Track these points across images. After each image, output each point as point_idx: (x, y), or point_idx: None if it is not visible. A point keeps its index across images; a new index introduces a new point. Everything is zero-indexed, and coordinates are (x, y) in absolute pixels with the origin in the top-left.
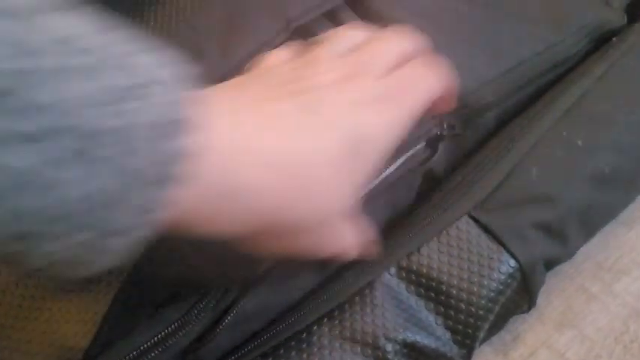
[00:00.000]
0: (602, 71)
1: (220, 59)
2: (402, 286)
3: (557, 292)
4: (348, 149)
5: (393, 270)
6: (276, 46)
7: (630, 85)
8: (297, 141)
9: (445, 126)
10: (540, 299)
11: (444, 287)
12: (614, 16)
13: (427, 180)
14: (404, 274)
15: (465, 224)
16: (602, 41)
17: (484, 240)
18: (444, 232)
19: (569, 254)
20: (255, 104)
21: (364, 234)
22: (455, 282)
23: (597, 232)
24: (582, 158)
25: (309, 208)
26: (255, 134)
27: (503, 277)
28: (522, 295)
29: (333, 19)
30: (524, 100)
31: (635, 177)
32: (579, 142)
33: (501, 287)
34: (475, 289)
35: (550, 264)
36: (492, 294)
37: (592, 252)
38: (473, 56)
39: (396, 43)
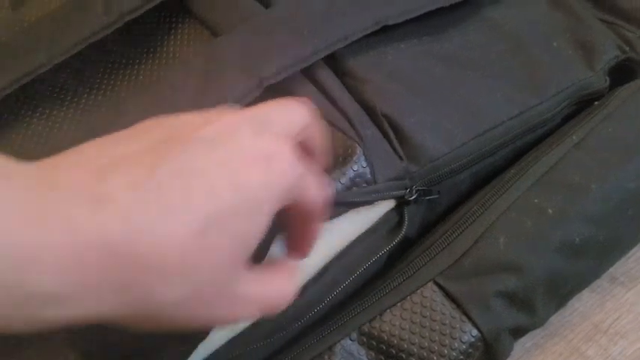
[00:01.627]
0: (580, 137)
1: None
2: (363, 352)
3: (550, 355)
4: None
5: (354, 335)
6: (247, 104)
7: (607, 153)
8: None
9: (411, 191)
10: None
11: (404, 355)
12: (596, 79)
13: (398, 243)
14: (365, 340)
15: (430, 291)
16: (583, 104)
17: (447, 308)
18: (408, 298)
19: (539, 323)
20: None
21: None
22: (416, 350)
23: (569, 301)
24: (552, 227)
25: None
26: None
27: (464, 346)
28: None
29: (310, 76)
30: (501, 161)
31: (609, 247)
32: (550, 211)
33: (462, 357)
34: (435, 359)
35: (518, 333)
36: None
37: (588, 313)
38: (446, 118)
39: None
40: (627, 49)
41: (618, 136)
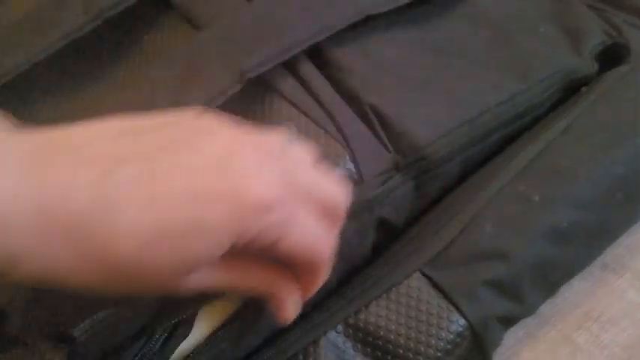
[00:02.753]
0: (567, 124)
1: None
2: (349, 344)
3: (542, 343)
4: None
5: (340, 327)
6: (227, 98)
7: (594, 138)
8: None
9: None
10: (525, 351)
11: (390, 346)
12: (584, 64)
13: (386, 232)
14: (351, 332)
15: (416, 281)
16: (572, 89)
17: (434, 298)
18: (394, 289)
19: (529, 312)
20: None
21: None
22: (402, 341)
23: (559, 289)
24: (539, 214)
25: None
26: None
27: (452, 336)
28: (475, 354)
29: (292, 70)
30: (489, 148)
31: (598, 232)
32: (536, 198)
33: (450, 347)
34: (423, 349)
35: (508, 322)
36: (440, 354)
37: (579, 301)
38: (433, 107)
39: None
40: (615, 34)
41: (605, 121)
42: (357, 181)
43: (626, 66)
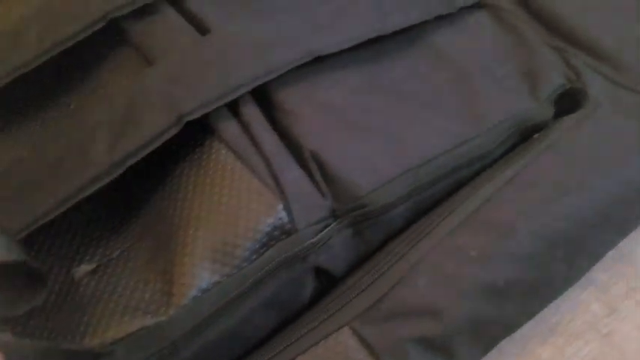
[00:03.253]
0: (512, 174)
1: (106, 154)
2: None
3: (508, 357)
4: None
5: None
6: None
7: (539, 190)
8: None
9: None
10: None
11: None
12: (540, 110)
13: (326, 280)
14: None
15: (345, 336)
16: (526, 135)
17: (362, 354)
18: (322, 343)
19: None
20: None
21: None
22: None
23: (498, 343)
24: (474, 270)
25: None
26: None
27: None
28: None
29: (235, 111)
30: (438, 195)
31: (536, 289)
32: (473, 253)
33: None
34: None
35: None
36: None
37: (544, 315)
38: (376, 154)
39: None
40: (573, 78)
41: (552, 173)
42: (290, 230)
43: (581, 112)
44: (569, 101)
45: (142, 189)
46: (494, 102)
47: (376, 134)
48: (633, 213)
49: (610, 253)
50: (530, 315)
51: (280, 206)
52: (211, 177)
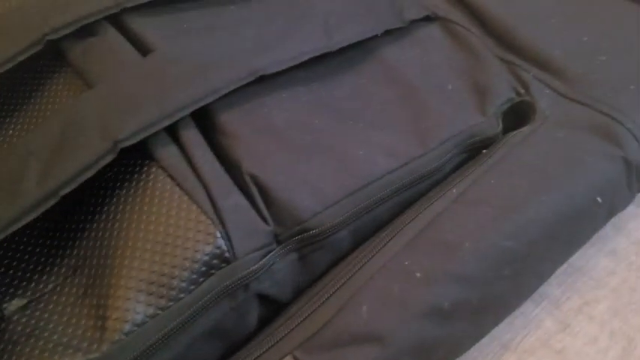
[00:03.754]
0: (460, 191)
1: (37, 184)
2: None
3: None
4: None
5: None
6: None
7: (485, 208)
8: None
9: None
10: None
11: None
12: (488, 124)
13: (271, 306)
14: None
15: None
16: (475, 151)
17: None
18: None
19: None
20: None
21: None
22: None
23: None
24: (420, 292)
25: None
26: None
27: None
28: None
29: (174, 135)
30: (386, 215)
31: (483, 309)
32: (418, 274)
33: None
34: None
35: None
36: None
37: (497, 332)
38: (319, 176)
39: None
40: (522, 91)
41: (499, 190)
42: (230, 259)
43: (529, 127)
44: (518, 115)
45: (78, 218)
46: (442, 118)
47: (319, 155)
48: (581, 228)
49: (563, 267)
50: (478, 336)
51: (219, 234)
52: (148, 204)
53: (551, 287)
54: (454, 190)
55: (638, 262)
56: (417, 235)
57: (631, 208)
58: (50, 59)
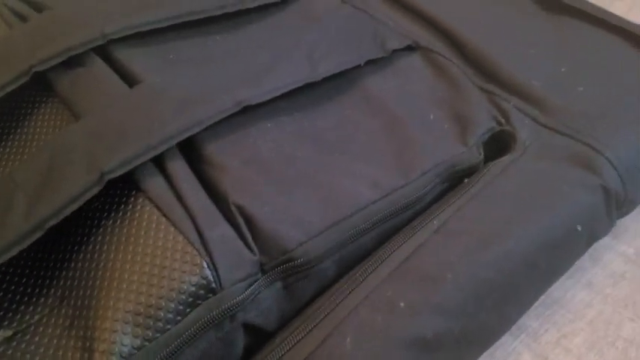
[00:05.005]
0: (442, 221)
1: (23, 218)
2: None
3: None
4: None
5: None
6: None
7: (466, 239)
8: None
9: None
10: None
11: None
12: (469, 154)
13: (257, 336)
14: None
15: None
16: (456, 180)
17: None
18: None
19: None
20: None
21: None
22: None
23: None
24: (403, 323)
25: None
26: None
27: None
28: None
29: (161, 166)
30: (370, 244)
31: (466, 340)
32: (402, 304)
33: None
34: None
35: None
36: None
37: None
38: (304, 206)
39: None
40: (503, 121)
41: (478, 222)
42: (216, 289)
43: (509, 157)
44: (499, 144)
45: (64, 248)
46: (424, 149)
47: (304, 187)
48: (561, 258)
49: (541, 299)
50: None
51: (205, 264)
52: (135, 235)
53: (530, 319)
54: (435, 222)
55: (613, 294)
56: (400, 267)
57: (607, 240)
58: (38, 90)
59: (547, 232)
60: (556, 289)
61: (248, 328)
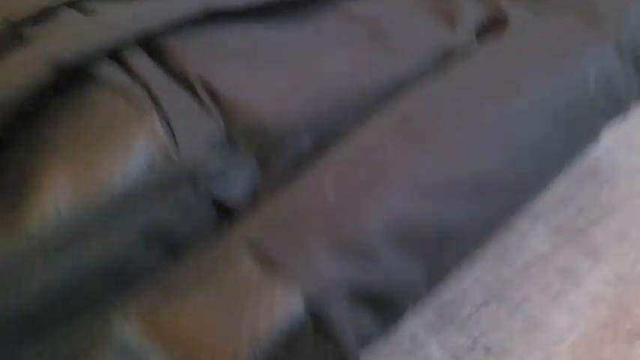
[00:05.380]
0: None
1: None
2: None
3: None
4: None
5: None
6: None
7: (466, 95)
8: None
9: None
10: None
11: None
12: (461, 39)
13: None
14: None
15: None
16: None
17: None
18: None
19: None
20: None
21: None
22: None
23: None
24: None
25: None
26: None
27: (286, 322)
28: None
29: (119, 59)
30: (350, 127)
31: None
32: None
33: (285, 337)
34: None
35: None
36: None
37: None
38: (276, 80)
39: None
40: (494, 11)
41: (478, 83)
42: (170, 152)
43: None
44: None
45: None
46: (412, 38)
47: (278, 64)
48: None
49: (525, 324)
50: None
51: (159, 127)
52: (84, 116)
53: (514, 342)
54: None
55: (595, 317)
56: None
57: (587, 263)
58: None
59: (557, 88)
60: (540, 313)
61: (215, 203)
